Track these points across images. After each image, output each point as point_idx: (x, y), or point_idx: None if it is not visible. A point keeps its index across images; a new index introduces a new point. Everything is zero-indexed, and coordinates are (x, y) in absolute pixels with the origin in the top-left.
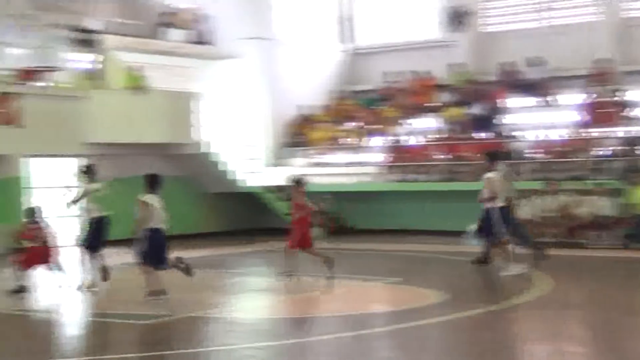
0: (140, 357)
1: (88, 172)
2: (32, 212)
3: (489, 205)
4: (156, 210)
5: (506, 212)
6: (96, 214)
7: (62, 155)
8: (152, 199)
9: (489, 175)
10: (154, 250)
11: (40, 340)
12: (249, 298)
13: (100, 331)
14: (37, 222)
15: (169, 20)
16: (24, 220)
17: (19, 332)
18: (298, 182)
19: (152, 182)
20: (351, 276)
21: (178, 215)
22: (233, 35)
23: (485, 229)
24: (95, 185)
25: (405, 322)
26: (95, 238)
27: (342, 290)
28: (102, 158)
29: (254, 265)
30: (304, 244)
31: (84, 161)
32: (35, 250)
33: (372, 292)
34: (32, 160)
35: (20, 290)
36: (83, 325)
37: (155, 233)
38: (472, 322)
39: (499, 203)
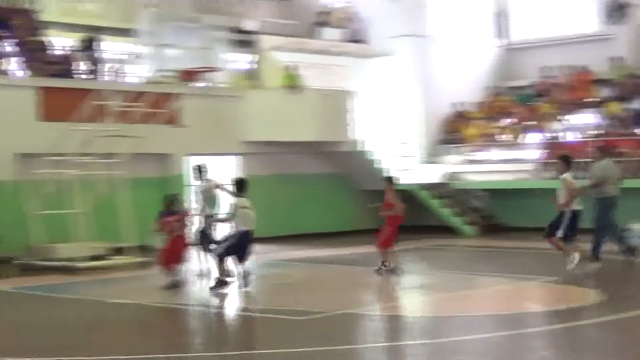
0: (294, 352)
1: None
2: (171, 201)
3: (566, 207)
4: (246, 212)
5: (578, 214)
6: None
7: (221, 154)
8: (242, 202)
9: (564, 176)
10: (236, 250)
11: (198, 333)
12: (402, 295)
13: (256, 326)
14: (176, 213)
15: (323, 19)
16: (163, 209)
17: (174, 326)
18: (389, 181)
19: (240, 186)
20: (506, 275)
21: (332, 212)
22: (386, 33)
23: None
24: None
25: (563, 322)
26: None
27: (498, 288)
28: (258, 156)
29: (407, 263)
30: (386, 243)
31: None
32: (174, 243)
33: (528, 291)
34: (190, 158)
35: (174, 285)
36: (238, 320)
37: (243, 235)
38: (633, 323)
39: (575, 206)
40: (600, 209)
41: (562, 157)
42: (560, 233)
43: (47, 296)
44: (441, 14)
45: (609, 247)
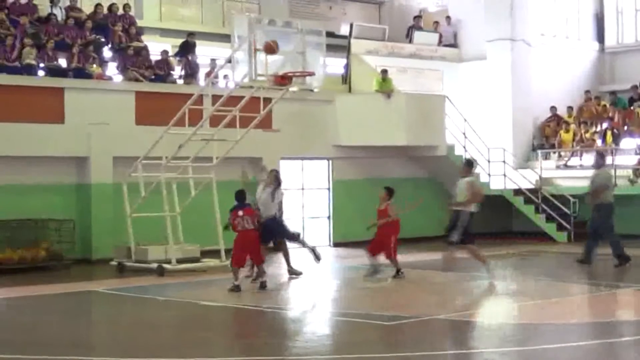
0: (384, 357)
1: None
2: (243, 196)
3: (460, 208)
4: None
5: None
6: None
7: (312, 158)
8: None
9: (470, 179)
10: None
11: (287, 336)
12: (493, 302)
13: (345, 330)
14: (248, 206)
15: (415, 23)
16: (236, 204)
17: (263, 328)
18: (388, 191)
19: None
20: (598, 282)
21: (423, 216)
22: (479, 37)
23: None
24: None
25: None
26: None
27: (589, 296)
28: (349, 160)
29: (499, 269)
30: (376, 250)
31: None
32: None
33: (620, 298)
34: (281, 162)
35: (262, 286)
36: (326, 323)
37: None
38: None
39: (472, 208)
40: (600, 215)
41: (466, 161)
42: (455, 237)
43: (139, 297)
44: (537, 17)
45: None
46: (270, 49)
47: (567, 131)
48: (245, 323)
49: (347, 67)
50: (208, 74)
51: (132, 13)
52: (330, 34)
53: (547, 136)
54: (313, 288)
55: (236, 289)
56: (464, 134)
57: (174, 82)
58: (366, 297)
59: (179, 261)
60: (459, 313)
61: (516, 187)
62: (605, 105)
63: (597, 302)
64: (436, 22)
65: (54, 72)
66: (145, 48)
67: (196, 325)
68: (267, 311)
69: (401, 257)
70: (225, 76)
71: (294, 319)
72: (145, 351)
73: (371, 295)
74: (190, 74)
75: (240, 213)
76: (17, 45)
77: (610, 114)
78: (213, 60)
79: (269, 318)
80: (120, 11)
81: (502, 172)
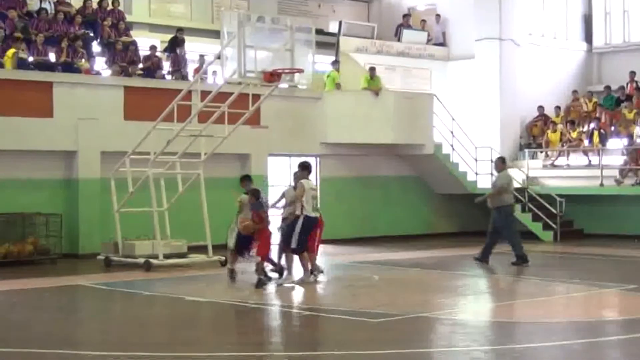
0: (369, 355)
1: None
2: (257, 194)
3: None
4: None
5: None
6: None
7: (299, 155)
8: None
9: (302, 182)
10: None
11: (273, 333)
12: (476, 300)
13: (331, 327)
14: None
15: (404, 21)
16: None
17: (250, 324)
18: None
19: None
20: (583, 282)
21: (409, 215)
22: (468, 36)
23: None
24: None
25: (637, 332)
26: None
27: (574, 295)
28: (337, 158)
29: (482, 267)
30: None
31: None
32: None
33: (605, 298)
34: (269, 159)
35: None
36: (313, 320)
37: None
38: None
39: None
40: (501, 216)
41: (301, 164)
42: (293, 243)
43: (126, 292)
44: (525, 16)
45: None
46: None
47: (555, 131)
48: (231, 319)
49: (336, 64)
50: (196, 70)
51: (121, 8)
52: (319, 32)
53: (535, 136)
54: (299, 285)
55: (262, 282)
56: (451, 132)
57: (163, 77)
58: (352, 295)
59: (166, 256)
60: (445, 311)
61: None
62: (592, 105)
63: (582, 302)
64: (424, 21)
65: (43, 66)
66: (133, 43)
67: (183, 321)
68: (253, 307)
69: (383, 256)
70: (214, 72)
71: (280, 316)
72: (133, 346)
73: (357, 293)
74: (179, 69)
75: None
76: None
77: (597, 114)
78: (202, 56)
79: (255, 314)
80: (110, 6)
81: (489, 171)
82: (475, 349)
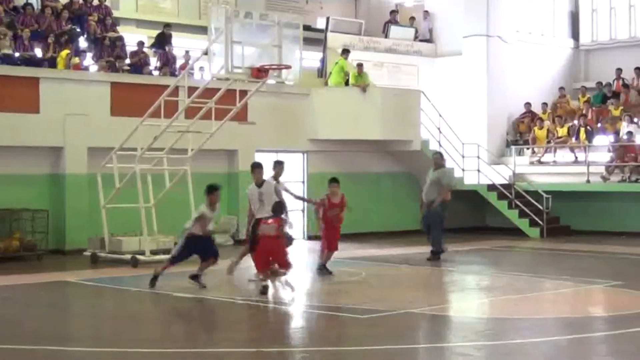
0: (358, 350)
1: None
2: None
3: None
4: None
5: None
6: None
7: (287, 151)
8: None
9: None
10: None
11: (261, 329)
12: (467, 297)
13: (319, 323)
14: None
15: (391, 18)
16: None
17: (232, 320)
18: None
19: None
20: (570, 278)
21: (397, 211)
22: (456, 33)
23: None
24: None
25: (627, 328)
26: None
27: (561, 292)
28: (325, 154)
29: (472, 264)
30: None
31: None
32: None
33: (592, 295)
34: (257, 155)
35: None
36: (302, 316)
37: None
38: None
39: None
40: (441, 211)
41: (253, 164)
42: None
43: (113, 288)
44: (512, 13)
45: None
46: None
47: (541, 128)
48: (219, 315)
49: (323, 60)
50: (182, 67)
51: (108, 4)
52: (306, 28)
53: (521, 132)
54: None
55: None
56: (438, 129)
57: (150, 73)
58: (341, 291)
59: (153, 252)
60: (433, 307)
61: (490, 183)
62: (579, 102)
63: (570, 298)
64: (413, 18)
65: (29, 62)
66: (120, 38)
67: (171, 317)
68: (241, 304)
69: (372, 252)
70: (201, 68)
71: (267, 312)
72: (123, 342)
73: (346, 289)
74: (167, 65)
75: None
76: None
77: (583, 111)
78: (187, 52)
79: (243, 311)
80: (96, 2)
81: (476, 167)
82: (464, 345)
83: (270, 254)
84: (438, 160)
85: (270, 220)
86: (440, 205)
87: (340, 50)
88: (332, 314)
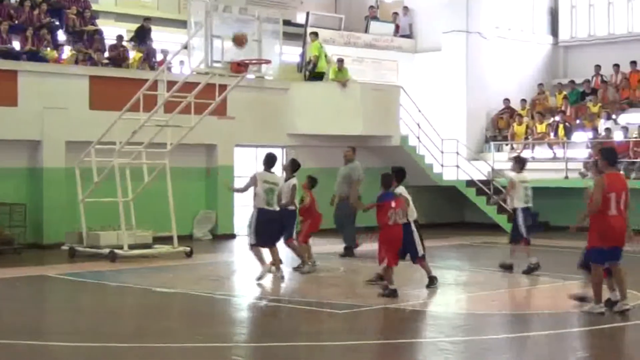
0: (337, 345)
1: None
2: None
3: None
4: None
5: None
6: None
7: (267, 146)
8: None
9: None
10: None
11: (239, 324)
12: (442, 291)
13: (298, 318)
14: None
15: (371, 13)
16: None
17: (211, 315)
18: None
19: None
20: (548, 274)
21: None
22: (435, 29)
23: None
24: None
25: (600, 324)
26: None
27: (540, 287)
28: (304, 149)
29: (450, 259)
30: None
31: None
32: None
33: (568, 291)
34: (236, 149)
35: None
36: (278, 311)
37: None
38: None
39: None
40: (348, 207)
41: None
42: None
43: (91, 282)
44: (492, 10)
45: None
46: (240, 41)
47: (520, 124)
48: (199, 310)
49: (303, 55)
50: (160, 63)
51: None
52: (286, 23)
53: (500, 128)
54: (267, 276)
55: (393, 293)
56: (418, 124)
57: (129, 67)
58: (319, 285)
59: (131, 247)
60: (411, 302)
61: (469, 179)
62: (558, 99)
63: (548, 294)
64: (396, 14)
65: (7, 55)
66: (98, 32)
67: (150, 312)
68: (220, 298)
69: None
70: (181, 62)
71: (247, 307)
72: (102, 337)
73: (324, 284)
74: (146, 59)
75: (393, 204)
76: None
77: (562, 108)
78: (164, 50)
79: (222, 305)
80: None
81: (455, 163)
82: (442, 340)
83: (400, 243)
84: (349, 155)
85: (393, 204)
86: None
87: (310, 37)
88: (310, 309)
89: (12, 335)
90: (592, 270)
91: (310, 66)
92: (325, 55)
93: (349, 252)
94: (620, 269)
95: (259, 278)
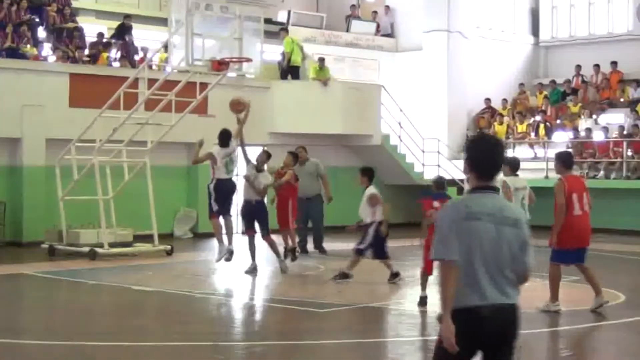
0: (316, 344)
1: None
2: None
3: None
4: None
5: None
6: None
7: (248, 145)
8: None
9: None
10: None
11: (214, 322)
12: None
13: (277, 317)
14: (446, 197)
15: (353, 12)
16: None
17: (196, 314)
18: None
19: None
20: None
21: (355, 205)
22: (417, 28)
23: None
24: None
25: (579, 323)
26: None
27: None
28: (285, 147)
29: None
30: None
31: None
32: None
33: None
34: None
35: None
36: (259, 310)
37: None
38: None
39: None
40: (320, 205)
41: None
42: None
43: (71, 281)
44: (473, 9)
45: None
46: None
47: (501, 123)
48: (177, 309)
49: (284, 54)
50: (140, 61)
51: None
52: (268, 21)
53: (481, 128)
54: (245, 274)
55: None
56: (399, 123)
57: (110, 64)
58: (299, 284)
59: (111, 245)
60: (391, 301)
61: (449, 178)
62: (539, 99)
63: (526, 293)
64: (376, 12)
65: None
66: (78, 29)
67: (129, 310)
68: (199, 297)
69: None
70: (161, 60)
71: (225, 305)
72: (78, 335)
73: (304, 283)
74: (126, 57)
75: (436, 204)
76: None
77: (543, 108)
78: (145, 48)
79: (201, 304)
80: None
81: (436, 162)
82: (422, 339)
83: None
84: (302, 154)
85: (436, 204)
86: (319, 201)
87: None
88: (290, 308)
89: None
90: (550, 269)
91: (284, 63)
92: (301, 49)
93: (323, 251)
94: (587, 267)
95: (217, 260)
